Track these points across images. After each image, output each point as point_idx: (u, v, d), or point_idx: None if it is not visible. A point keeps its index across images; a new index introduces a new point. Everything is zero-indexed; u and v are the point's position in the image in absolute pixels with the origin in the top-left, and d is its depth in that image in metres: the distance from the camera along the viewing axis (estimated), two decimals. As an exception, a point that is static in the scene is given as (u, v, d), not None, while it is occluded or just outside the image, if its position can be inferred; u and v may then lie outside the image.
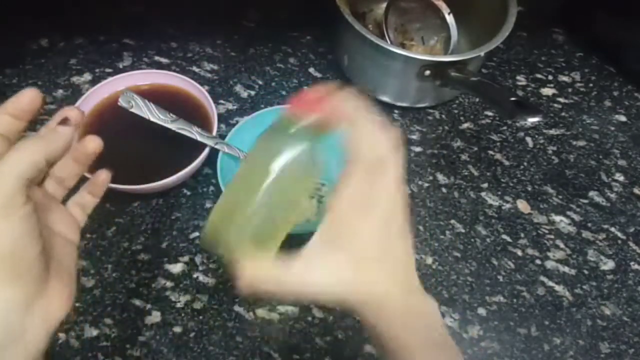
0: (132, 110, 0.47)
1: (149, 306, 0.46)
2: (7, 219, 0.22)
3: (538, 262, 0.52)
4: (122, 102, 0.46)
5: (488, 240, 0.53)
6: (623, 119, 0.65)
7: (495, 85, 0.52)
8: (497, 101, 0.50)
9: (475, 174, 0.58)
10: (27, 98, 0.26)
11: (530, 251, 0.53)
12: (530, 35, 0.72)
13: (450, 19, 0.59)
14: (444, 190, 0.56)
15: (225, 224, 0.27)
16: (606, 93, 0.67)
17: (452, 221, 0.54)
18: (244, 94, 0.62)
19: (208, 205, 0.52)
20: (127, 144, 0.50)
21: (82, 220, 0.32)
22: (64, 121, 0.27)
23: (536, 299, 0.49)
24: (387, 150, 0.26)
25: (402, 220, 0.26)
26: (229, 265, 0.26)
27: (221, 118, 0.58)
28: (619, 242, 0.54)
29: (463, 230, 0.53)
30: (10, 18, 0.63)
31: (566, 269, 0.52)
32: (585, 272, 0.52)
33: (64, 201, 0.32)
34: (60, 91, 0.59)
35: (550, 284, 0.51)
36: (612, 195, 0.57)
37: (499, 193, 0.57)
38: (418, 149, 0.59)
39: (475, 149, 0.60)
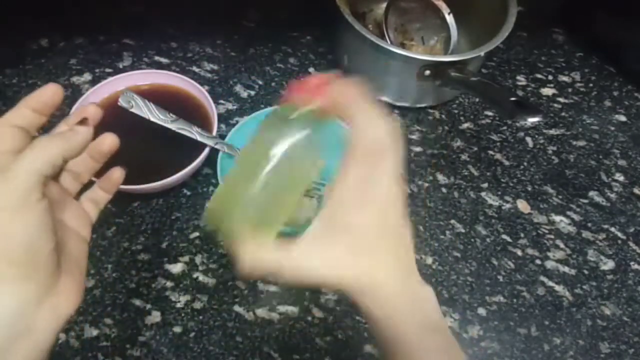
0: (132, 110, 0.47)
1: (149, 306, 0.46)
2: (22, 216, 0.23)
3: (538, 262, 0.52)
4: (122, 102, 0.46)
5: (488, 240, 0.53)
6: (623, 119, 0.65)
7: (495, 85, 0.52)
8: (497, 101, 0.50)
9: (475, 174, 0.58)
10: (49, 92, 0.27)
11: (530, 251, 0.53)
12: (530, 35, 0.72)
13: (450, 19, 0.59)
14: (444, 190, 0.56)
15: (226, 207, 0.27)
16: (606, 93, 0.67)
17: (452, 221, 0.54)
18: (244, 94, 0.62)
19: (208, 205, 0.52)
20: (127, 144, 0.49)
21: (94, 215, 0.32)
22: (83, 121, 0.27)
23: (536, 299, 0.49)
24: (388, 137, 0.26)
25: (400, 206, 0.27)
26: (230, 247, 0.27)
27: (221, 118, 0.58)
28: (619, 242, 0.54)
29: (463, 230, 0.53)
30: (10, 18, 0.63)
31: (566, 269, 0.52)
32: (585, 272, 0.52)
33: (77, 196, 0.32)
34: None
35: (550, 284, 0.51)
36: (612, 195, 0.57)
37: (499, 193, 0.57)
38: (418, 149, 0.59)
39: (475, 149, 0.60)
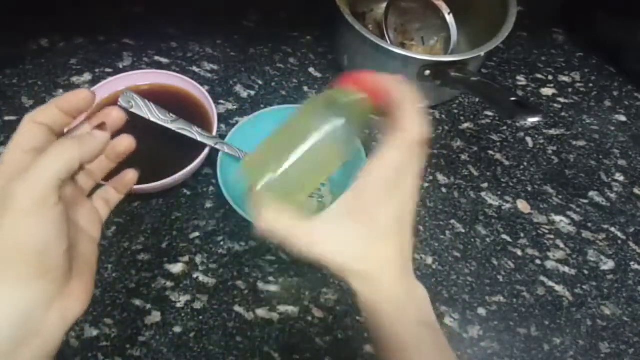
0: (132, 110, 0.46)
1: (149, 306, 0.46)
2: (38, 218, 0.23)
3: (538, 262, 0.52)
4: (122, 102, 0.46)
5: (488, 240, 0.53)
6: (623, 119, 0.65)
7: (495, 85, 0.52)
8: (497, 101, 0.50)
9: (475, 174, 0.58)
10: (82, 96, 0.27)
11: (530, 251, 0.53)
12: (530, 35, 0.72)
13: (450, 19, 0.59)
14: (444, 190, 0.56)
15: (257, 171, 0.28)
16: (606, 93, 0.67)
17: (452, 221, 0.54)
18: (244, 94, 0.62)
19: (208, 205, 0.52)
20: (127, 144, 0.50)
21: (105, 215, 0.32)
22: (101, 125, 0.28)
23: (536, 299, 0.49)
24: (426, 137, 0.27)
25: (413, 205, 0.28)
26: (253, 204, 0.27)
27: (221, 118, 0.58)
28: (619, 242, 0.54)
29: (463, 230, 0.53)
30: (10, 18, 0.63)
31: (566, 269, 0.52)
32: (585, 272, 0.52)
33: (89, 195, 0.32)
34: (60, 91, 0.59)
35: (550, 284, 0.51)
36: (612, 195, 0.57)
37: (499, 193, 0.56)
38: (418, 149, 0.59)
39: (475, 149, 0.60)
